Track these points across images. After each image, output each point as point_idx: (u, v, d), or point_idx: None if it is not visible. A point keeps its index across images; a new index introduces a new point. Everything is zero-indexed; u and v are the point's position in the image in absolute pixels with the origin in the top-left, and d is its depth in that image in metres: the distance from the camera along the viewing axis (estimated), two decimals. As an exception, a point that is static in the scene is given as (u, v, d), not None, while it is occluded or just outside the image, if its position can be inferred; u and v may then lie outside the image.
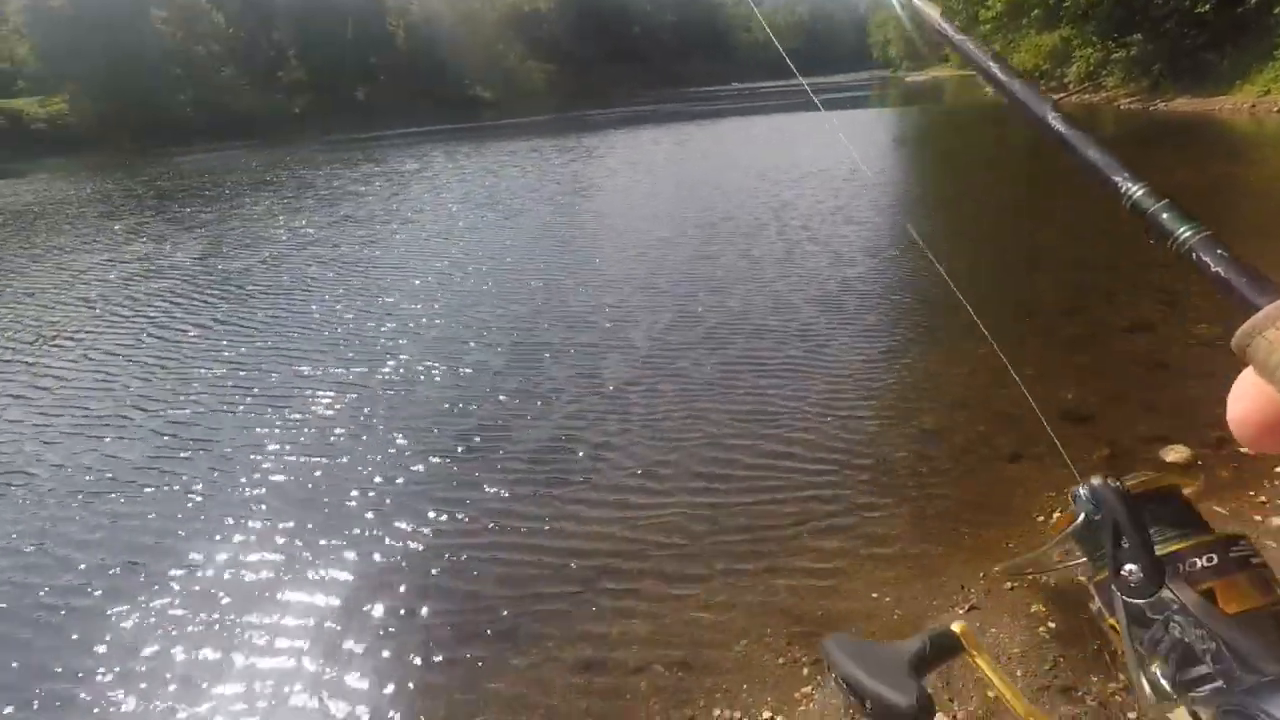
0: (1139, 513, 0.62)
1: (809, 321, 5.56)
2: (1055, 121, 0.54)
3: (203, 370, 5.54)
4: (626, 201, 11.77)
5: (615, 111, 39.12)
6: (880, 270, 6.87)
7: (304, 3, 56.13)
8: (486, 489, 3.58)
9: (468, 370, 5.14)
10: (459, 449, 4.00)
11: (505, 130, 30.91)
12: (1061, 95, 24.71)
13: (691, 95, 52.99)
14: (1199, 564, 0.58)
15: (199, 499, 3.74)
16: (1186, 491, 0.67)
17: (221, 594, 2.98)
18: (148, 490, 3.85)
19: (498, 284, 7.31)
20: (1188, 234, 0.43)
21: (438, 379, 5.03)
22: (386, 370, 5.24)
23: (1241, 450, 3.33)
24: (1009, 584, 2.65)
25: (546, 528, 3.24)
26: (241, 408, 4.80)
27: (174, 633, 2.79)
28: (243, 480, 3.87)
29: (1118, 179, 0.48)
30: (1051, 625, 2.43)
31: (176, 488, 3.86)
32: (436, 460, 3.89)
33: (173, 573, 3.14)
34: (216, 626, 2.80)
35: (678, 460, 3.69)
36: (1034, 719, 0.65)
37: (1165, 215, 0.44)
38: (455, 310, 6.58)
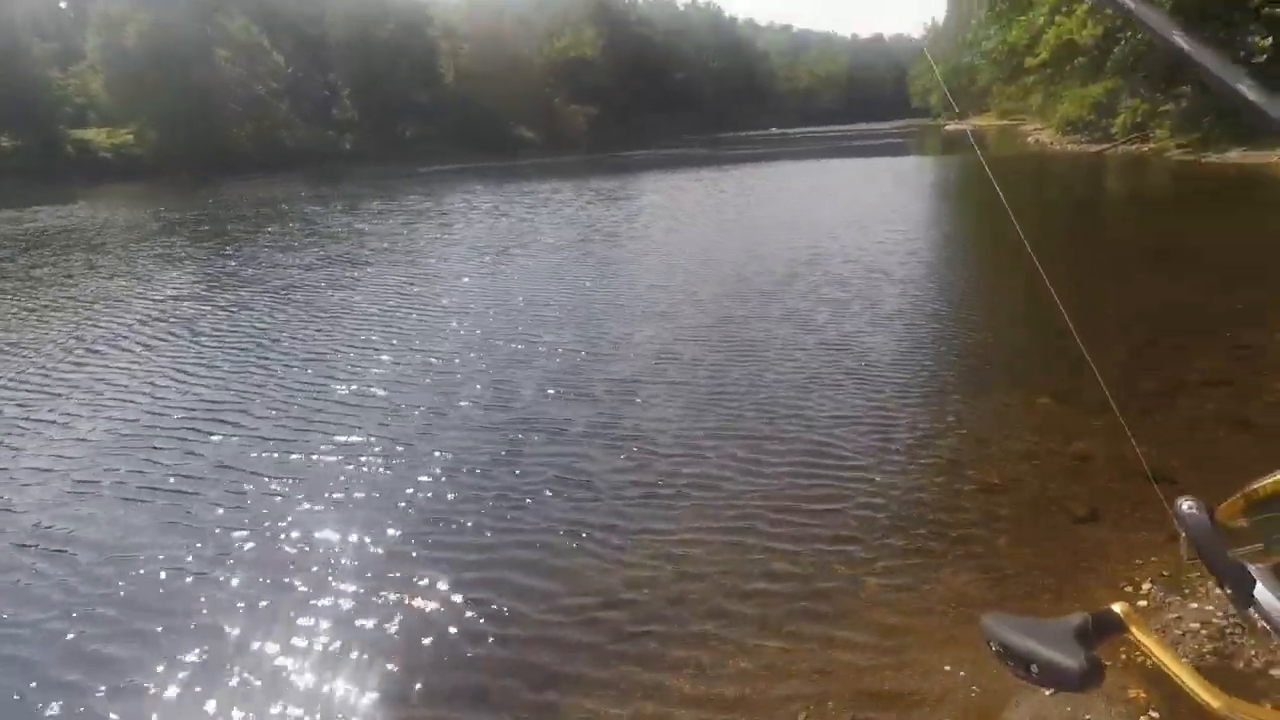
0: (1214, 535, 0.63)
1: (864, 367, 5.33)
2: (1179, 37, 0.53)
3: (144, 424, 4.91)
4: (641, 249, 11.28)
5: (650, 153, 39.62)
6: (934, 316, 6.64)
7: (359, 45, 58.45)
8: (518, 546, 3.31)
9: (466, 440, 4.42)
10: (481, 509, 3.68)
11: (538, 169, 31.36)
12: (1108, 146, 24.31)
13: (728, 139, 53.59)
14: None
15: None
16: None
17: (239, 650, 2.83)
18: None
19: (482, 344, 6.40)
20: None
21: (426, 452, 4.32)
22: (371, 433, 4.92)
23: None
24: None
25: (585, 580, 3.02)
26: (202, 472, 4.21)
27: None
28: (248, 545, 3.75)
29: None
30: (1155, 715, 2.14)
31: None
32: (457, 517, 3.60)
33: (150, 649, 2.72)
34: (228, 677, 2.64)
35: (727, 514, 3.44)
36: (1209, 695, 0.61)
37: None
38: (440, 371, 5.71)
